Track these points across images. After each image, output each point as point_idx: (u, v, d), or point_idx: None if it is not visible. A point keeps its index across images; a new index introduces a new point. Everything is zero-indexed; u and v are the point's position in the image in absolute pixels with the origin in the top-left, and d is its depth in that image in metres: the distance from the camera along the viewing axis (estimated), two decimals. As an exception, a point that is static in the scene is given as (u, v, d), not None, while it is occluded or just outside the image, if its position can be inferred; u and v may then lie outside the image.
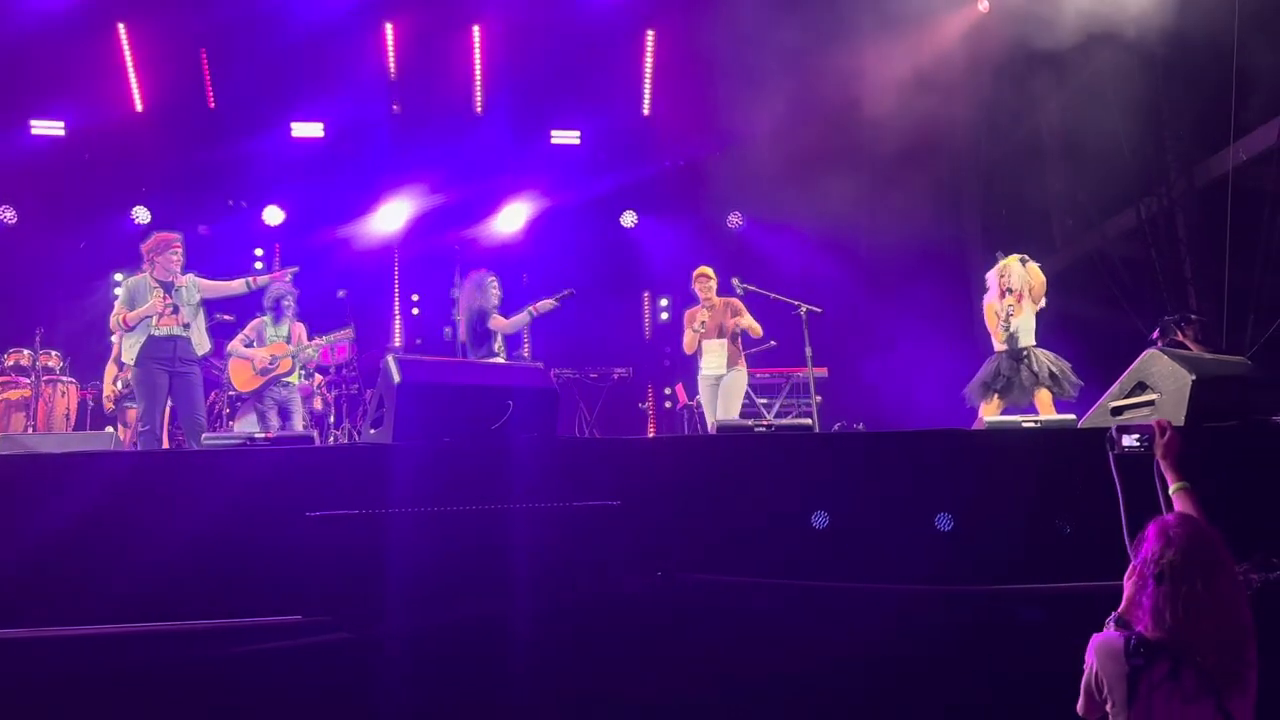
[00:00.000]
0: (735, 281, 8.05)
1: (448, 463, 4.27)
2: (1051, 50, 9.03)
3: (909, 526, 4.22)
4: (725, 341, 7.83)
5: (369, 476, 4.17)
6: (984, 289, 7.34)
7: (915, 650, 3.97)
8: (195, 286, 7.05)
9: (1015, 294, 6.87)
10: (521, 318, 7.70)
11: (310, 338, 8.24)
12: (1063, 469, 4.34)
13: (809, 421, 6.73)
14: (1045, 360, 6.74)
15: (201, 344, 7.07)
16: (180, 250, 7.05)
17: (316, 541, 3.96)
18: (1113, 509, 3.01)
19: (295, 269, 7.60)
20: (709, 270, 8.07)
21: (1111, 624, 2.73)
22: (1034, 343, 6.86)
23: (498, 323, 7.66)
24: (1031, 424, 5.06)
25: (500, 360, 7.53)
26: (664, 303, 12.01)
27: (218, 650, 3.74)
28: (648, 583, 3.97)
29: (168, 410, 7.16)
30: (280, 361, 7.95)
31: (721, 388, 7.84)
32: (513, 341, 11.18)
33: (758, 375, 9.86)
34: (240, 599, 3.88)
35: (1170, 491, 2.99)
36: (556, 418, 4.75)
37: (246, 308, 8.39)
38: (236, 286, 7.36)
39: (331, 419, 9.09)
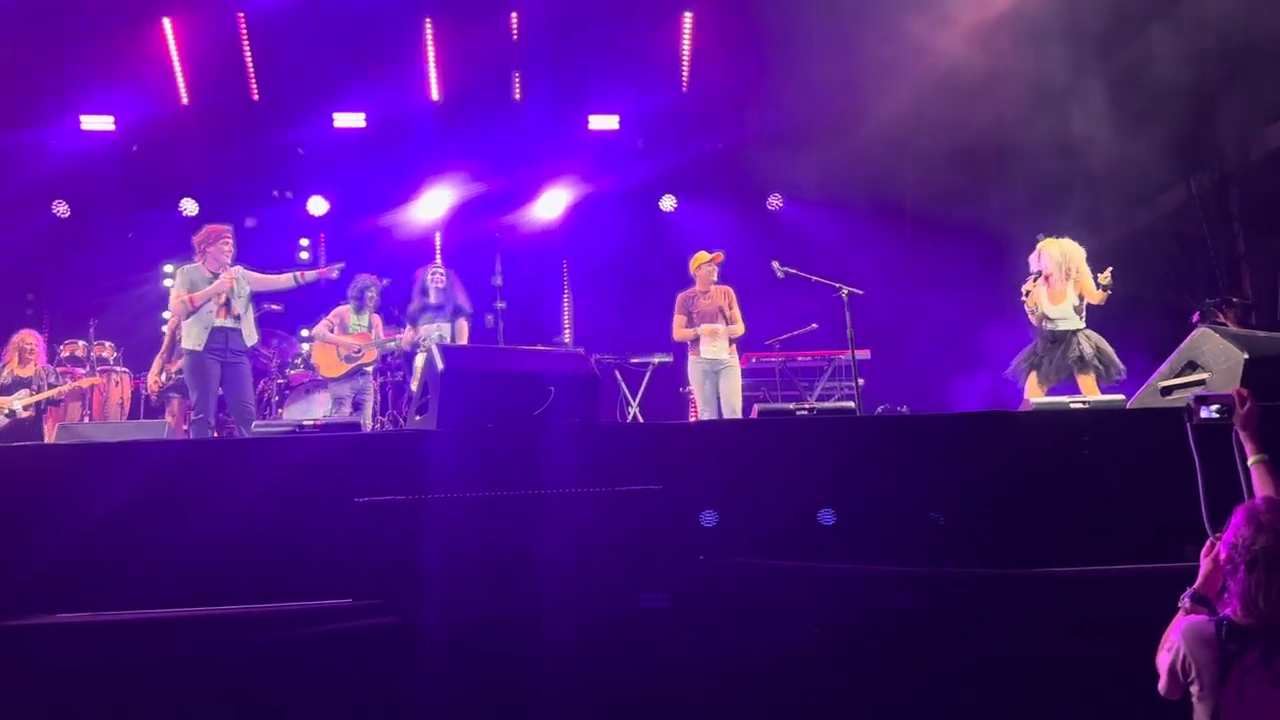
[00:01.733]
0: (775, 264, 8.01)
1: (491, 449, 4.31)
2: (1099, 21, 8.85)
3: (954, 509, 4.18)
4: (723, 328, 7.90)
5: (414, 462, 4.23)
6: (1028, 268, 7.24)
7: (959, 633, 3.94)
8: (245, 279, 7.18)
9: (1043, 276, 6.77)
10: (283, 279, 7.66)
11: (386, 329, 8.41)
12: (1111, 449, 4.27)
13: (851, 405, 6.69)
14: (1087, 344, 6.59)
15: (250, 336, 7.20)
16: (231, 242, 7.21)
17: (364, 526, 4.02)
18: (1165, 487, 2.96)
19: (341, 265, 7.71)
20: (705, 255, 8.15)
21: (1188, 601, 2.71)
22: (1080, 325, 6.73)
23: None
24: (1079, 404, 5.00)
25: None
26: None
27: (270, 634, 3.82)
28: (690, 567, 3.99)
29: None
30: (366, 351, 8.12)
31: (723, 377, 7.88)
32: (552, 328, 11.27)
33: (799, 358, 9.82)
34: (291, 583, 3.96)
35: (1249, 463, 2.94)
36: (598, 403, 4.78)
37: (295, 298, 8.54)
38: (284, 281, 7.49)
39: (377, 406, 9.21)
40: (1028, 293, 6.77)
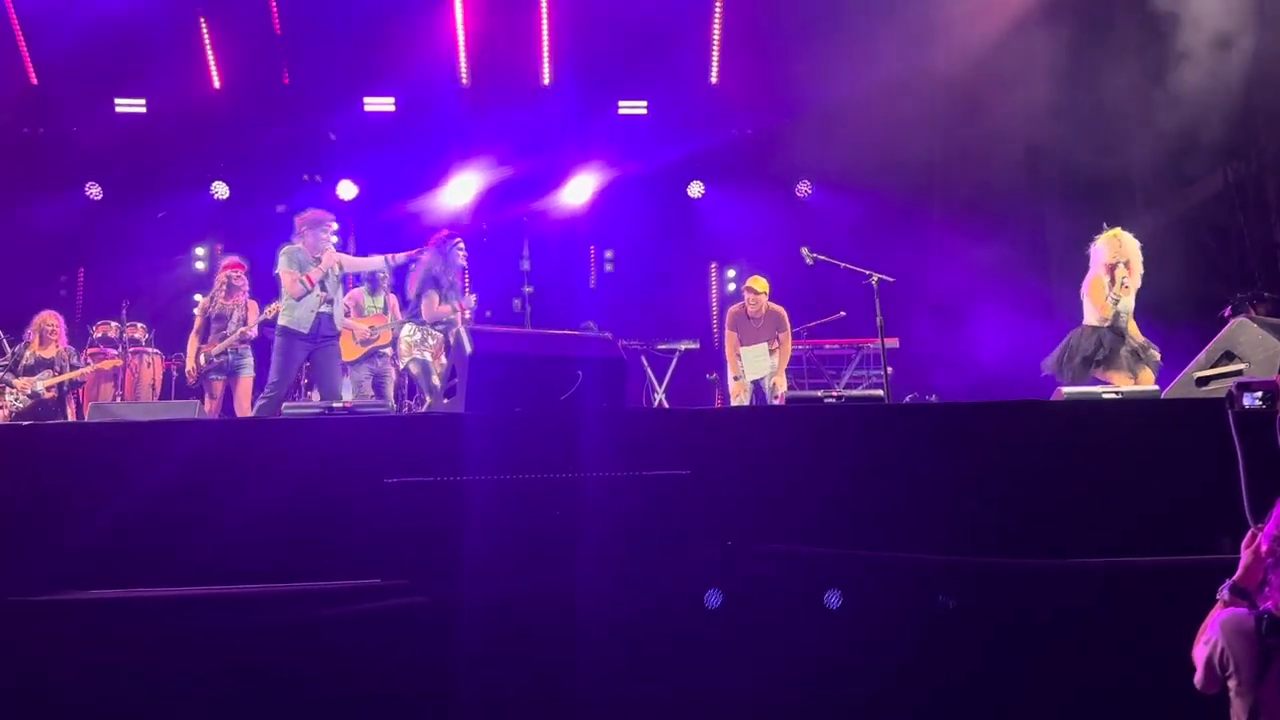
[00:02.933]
0: (804, 251, 7.98)
1: (518, 432, 4.32)
2: (1132, 10, 8.72)
3: (982, 499, 4.15)
4: (768, 347, 8.12)
5: (443, 445, 4.25)
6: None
7: (995, 623, 3.92)
8: (339, 262, 7.34)
9: (1126, 268, 6.64)
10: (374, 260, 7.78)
11: (403, 311, 8.43)
12: (1147, 440, 4.23)
13: (880, 393, 6.64)
14: (1137, 338, 6.55)
15: (339, 319, 7.39)
16: (332, 229, 7.37)
17: (393, 508, 4.05)
18: (1201, 478, 2.92)
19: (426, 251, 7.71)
20: (763, 285, 8.32)
21: (1226, 593, 2.67)
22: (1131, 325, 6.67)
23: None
24: (1112, 395, 4.93)
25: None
26: (731, 273, 11.93)
27: (301, 612, 3.86)
28: (717, 552, 3.98)
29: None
30: (381, 333, 8.16)
31: (766, 394, 8.08)
32: (579, 313, 11.27)
33: (827, 346, 9.78)
34: (321, 563, 3.99)
35: None
36: (625, 388, 4.78)
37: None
38: (376, 262, 7.70)
39: (404, 390, 9.25)
40: (1122, 285, 6.55)
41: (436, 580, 3.91)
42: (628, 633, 3.89)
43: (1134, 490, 4.08)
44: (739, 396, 8.22)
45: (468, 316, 7.70)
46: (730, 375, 8.41)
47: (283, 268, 7.24)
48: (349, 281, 8.33)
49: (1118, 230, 6.76)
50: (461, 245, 7.59)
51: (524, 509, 4.08)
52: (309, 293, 7.07)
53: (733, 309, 8.52)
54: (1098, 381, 6.40)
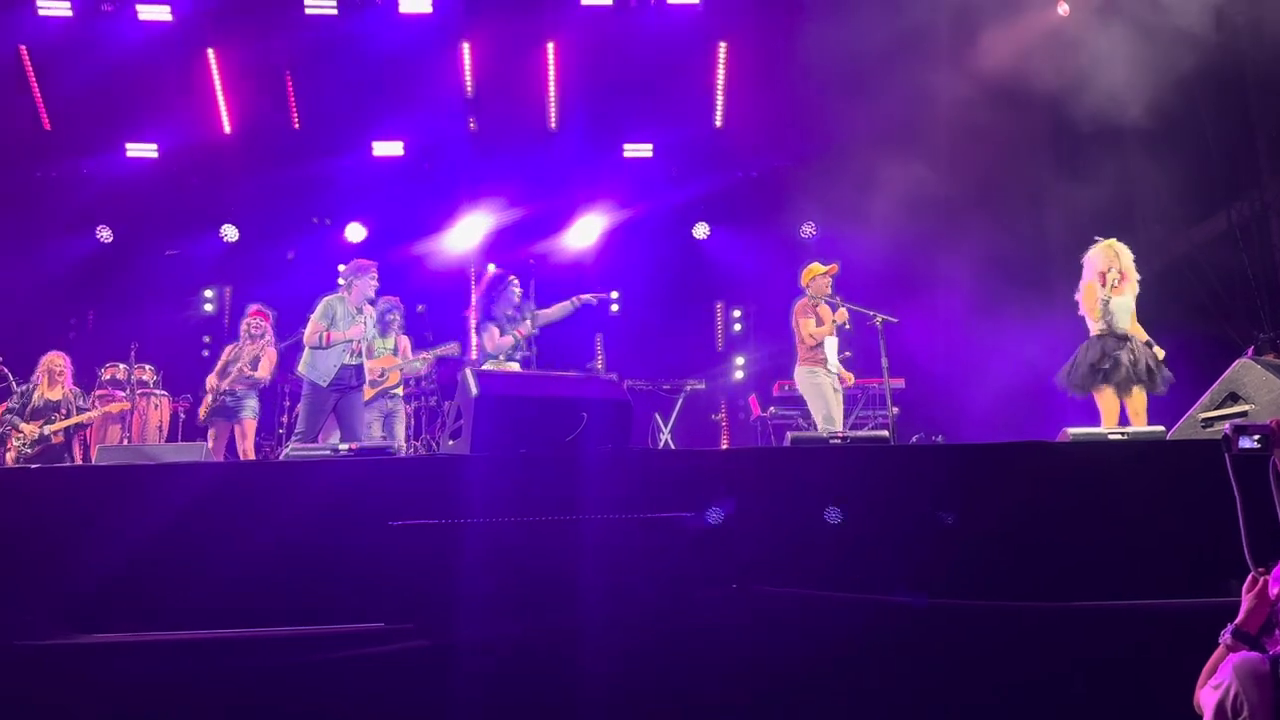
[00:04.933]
0: (809, 293, 8.01)
1: (524, 474, 4.32)
2: (1134, 51, 8.80)
3: (992, 542, 4.13)
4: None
5: (448, 487, 4.25)
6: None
7: (996, 665, 3.88)
8: (372, 316, 7.51)
9: (1119, 273, 6.76)
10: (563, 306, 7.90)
11: (414, 351, 8.49)
12: (1152, 482, 4.21)
13: (886, 434, 6.64)
14: (1142, 350, 6.60)
15: (370, 371, 7.58)
16: (375, 278, 7.48)
17: (398, 550, 4.04)
18: (1205, 520, 2.91)
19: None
20: (835, 268, 8.08)
21: (1229, 637, 2.64)
22: (1134, 329, 6.73)
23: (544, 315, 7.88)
24: (1119, 436, 4.93)
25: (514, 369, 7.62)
26: (737, 314, 11.97)
27: (304, 656, 3.84)
28: (722, 595, 3.96)
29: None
30: (389, 374, 8.20)
31: (837, 395, 7.76)
32: (586, 353, 11.30)
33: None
34: (325, 606, 3.98)
35: None
36: (630, 429, 4.79)
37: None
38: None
39: (410, 430, 9.27)
40: (1112, 288, 6.68)
41: (441, 624, 3.89)
42: (628, 678, 3.86)
43: (1138, 532, 4.06)
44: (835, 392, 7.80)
45: (523, 346, 7.88)
46: (825, 368, 7.79)
47: (313, 316, 7.36)
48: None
49: (1111, 240, 6.90)
50: (515, 281, 7.91)
51: (527, 552, 4.07)
52: (322, 347, 7.16)
53: (799, 303, 8.06)
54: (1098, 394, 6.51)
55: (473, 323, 7.71)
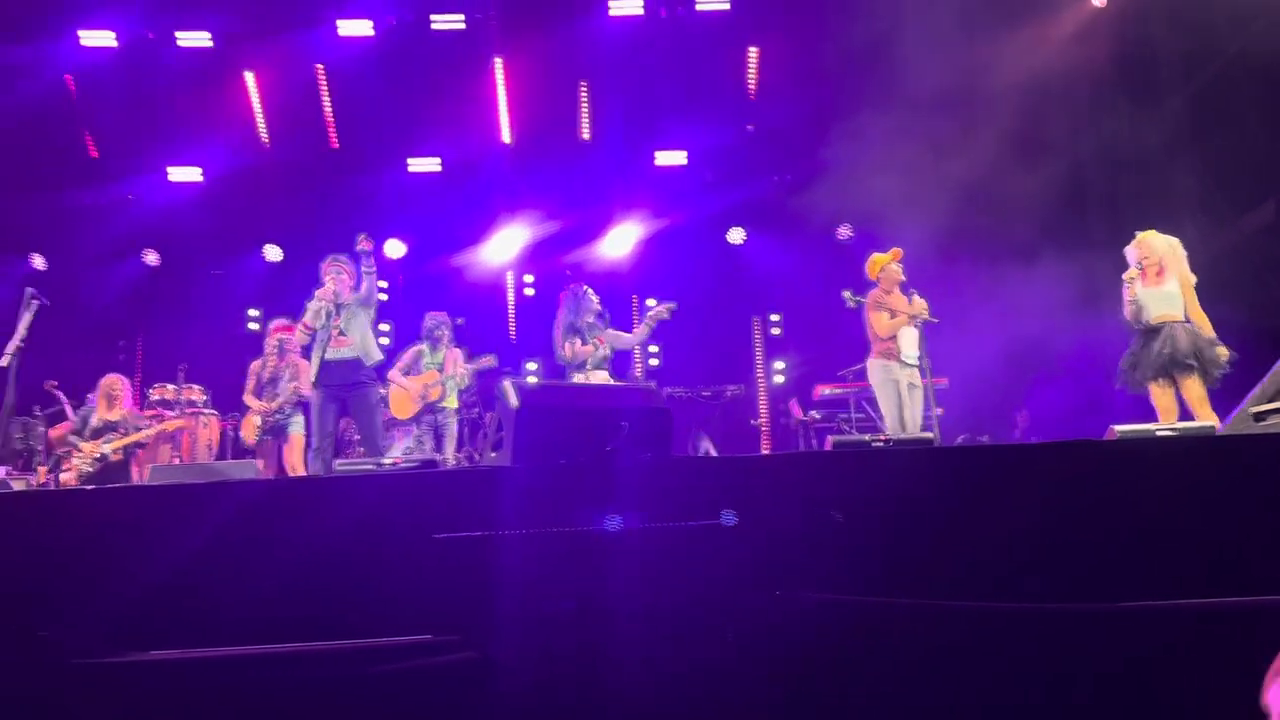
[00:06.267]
0: (847, 294, 7.94)
1: (565, 484, 4.34)
2: (1179, 42, 8.68)
3: (1034, 543, 4.07)
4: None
5: (490, 499, 4.27)
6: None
7: (1050, 669, 3.83)
8: (325, 305, 7.15)
9: (1158, 265, 6.71)
10: (640, 332, 7.99)
11: (470, 358, 8.62)
12: (1203, 478, 4.13)
13: (930, 435, 6.58)
14: (1175, 336, 6.48)
15: (371, 352, 7.24)
16: (341, 267, 7.25)
17: (444, 562, 4.07)
18: (1261, 516, 2.85)
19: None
20: (900, 252, 7.95)
21: None
22: (1180, 317, 6.63)
23: (617, 338, 7.86)
24: (1166, 432, 4.84)
25: (602, 378, 7.65)
26: (775, 318, 11.94)
27: (355, 669, 3.89)
28: (766, 602, 3.95)
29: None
30: (431, 390, 8.28)
31: (915, 389, 7.45)
32: (623, 362, 11.33)
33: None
34: (373, 620, 4.02)
35: None
36: (670, 437, 4.79)
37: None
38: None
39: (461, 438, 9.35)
40: (1131, 280, 6.69)
41: (486, 635, 3.91)
42: (674, 688, 3.86)
43: (1189, 530, 3.98)
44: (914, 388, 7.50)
45: (606, 353, 7.90)
46: (899, 360, 7.54)
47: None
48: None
49: (1147, 232, 6.86)
50: (590, 291, 8.00)
51: (570, 563, 4.08)
52: (311, 341, 7.10)
53: (872, 294, 7.81)
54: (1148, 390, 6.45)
55: (557, 336, 7.74)
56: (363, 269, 7.16)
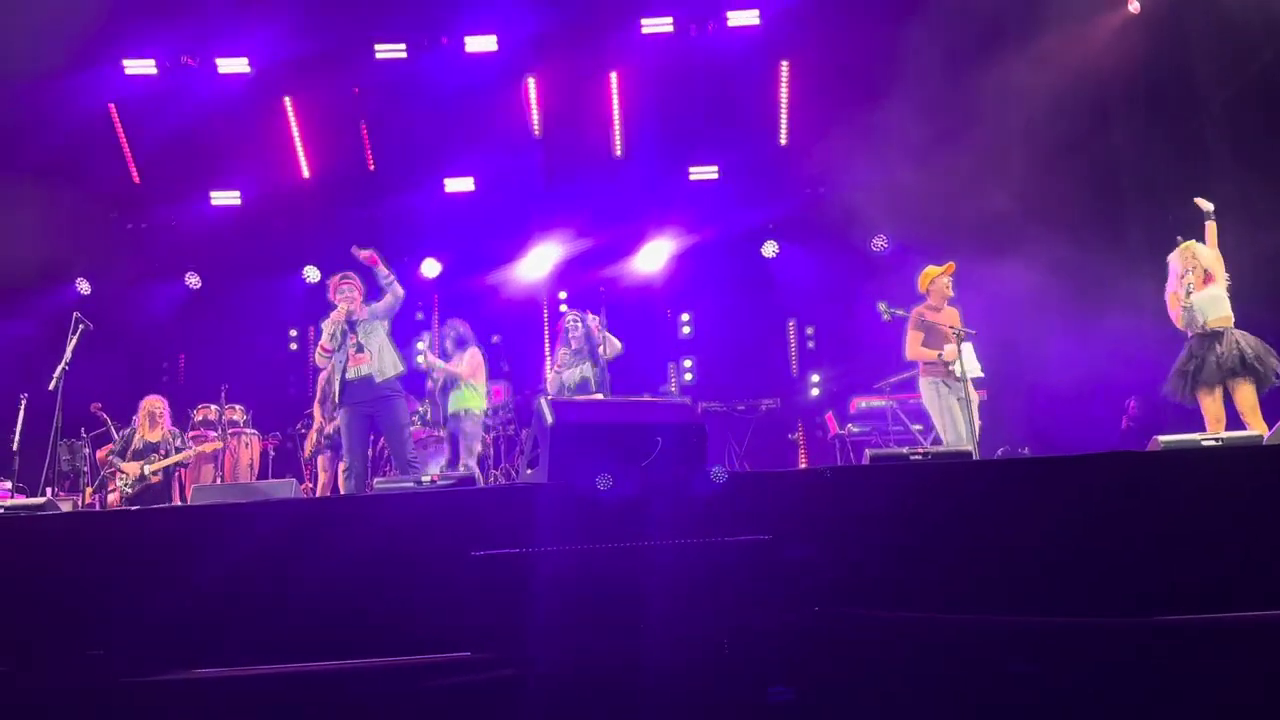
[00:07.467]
0: (882, 306, 7.89)
1: (600, 500, 4.34)
2: (1213, 45, 8.56)
3: (1082, 557, 4.02)
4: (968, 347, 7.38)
5: (527, 516, 4.29)
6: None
7: (1093, 689, 3.77)
8: (338, 325, 7.15)
9: (1203, 272, 6.70)
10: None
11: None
12: (1249, 489, 4.05)
13: (969, 448, 6.51)
14: (1240, 340, 6.42)
15: (387, 360, 7.16)
16: (350, 284, 7.30)
17: (481, 580, 4.09)
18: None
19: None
20: (952, 266, 7.83)
21: None
22: (1233, 321, 6.62)
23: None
24: (1211, 442, 4.75)
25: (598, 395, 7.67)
26: (810, 331, 11.89)
27: (396, 687, 3.92)
28: (803, 618, 3.92)
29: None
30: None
31: (966, 401, 7.22)
32: (658, 378, 11.34)
33: (912, 400, 9.62)
34: (411, 638, 4.05)
35: None
36: (705, 452, 4.78)
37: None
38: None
39: (490, 460, 9.41)
40: (1189, 292, 6.64)
41: (523, 652, 3.93)
42: (710, 703, 3.84)
43: (1235, 542, 3.91)
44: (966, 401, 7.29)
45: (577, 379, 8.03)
46: (945, 380, 7.40)
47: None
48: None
49: (1190, 242, 6.82)
50: (577, 320, 8.16)
51: (607, 579, 4.08)
52: (331, 362, 7.17)
53: (915, 310, 7.69)
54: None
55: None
56: (381, 281, 7.17)
